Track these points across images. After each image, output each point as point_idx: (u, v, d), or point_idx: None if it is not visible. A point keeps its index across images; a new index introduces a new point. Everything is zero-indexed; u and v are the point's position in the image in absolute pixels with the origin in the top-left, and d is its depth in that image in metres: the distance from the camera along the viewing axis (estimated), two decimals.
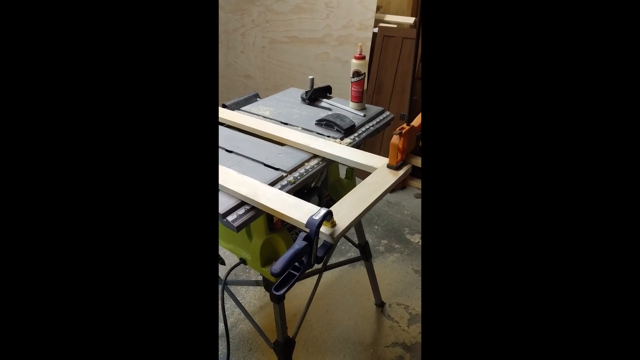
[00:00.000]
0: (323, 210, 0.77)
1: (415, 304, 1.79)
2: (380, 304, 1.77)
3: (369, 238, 2.16)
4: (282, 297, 1.12)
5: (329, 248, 0.83)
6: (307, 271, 0.81)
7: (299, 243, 0.73)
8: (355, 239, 1.60)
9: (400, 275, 1.94)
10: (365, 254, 1.60)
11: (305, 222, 0.77)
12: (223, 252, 1.28)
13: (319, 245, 0.80)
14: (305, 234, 0.75)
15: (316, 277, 1.41)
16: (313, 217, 0.76)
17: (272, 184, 0.98)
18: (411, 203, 2.50)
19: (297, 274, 0.74)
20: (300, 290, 1.82)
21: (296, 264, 0.74)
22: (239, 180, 0.95)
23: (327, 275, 1.88)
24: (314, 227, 0.74)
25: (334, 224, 0.80)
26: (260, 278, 1.19)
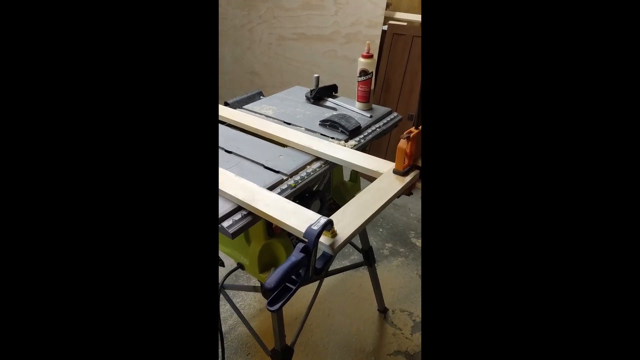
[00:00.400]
0: (323, 220, 0.73)
1: (420, 310, 1.74)
2: (383, 310, 1.72)
3: (373, 241, 2.11)
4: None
5: (329, 259, 0.78)
6: None
7: (296, 255, 0.68)
8: (359, 243, 1.55)
9: (405, 281, 1.89)
10: (369, 259, 1.55)
11: (303, 232, 0.73)
12: (223, 254, 1.24)
13: (317, 257, 0.75)
14: (303, 244, 0.70)
15: (317, 281, 1.37)
16: (312, 226, 0.71)
17: (271, 187, 0.94)
18: (417, 206, 2.44)
19: (294, 287, 0.69)
20: (301, 293, 1.77)
21: (293, 276, 0.69)
22: (236, 184, 0.91)
23: (329, 278, 1.84)
24: (312, 238, 0.69)
25: (334, 234, 0.76)
26: (258, 284, 1.15)
